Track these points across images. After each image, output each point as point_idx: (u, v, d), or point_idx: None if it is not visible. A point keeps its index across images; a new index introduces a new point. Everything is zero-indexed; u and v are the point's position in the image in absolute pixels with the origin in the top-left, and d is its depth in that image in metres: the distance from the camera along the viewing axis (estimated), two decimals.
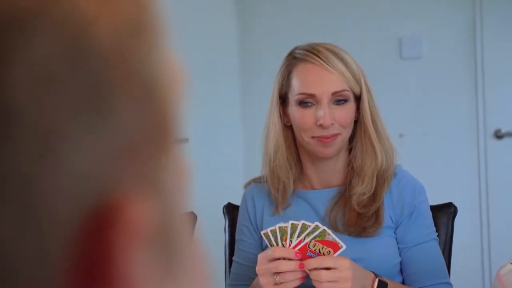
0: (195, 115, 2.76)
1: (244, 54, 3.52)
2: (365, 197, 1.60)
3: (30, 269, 0.24)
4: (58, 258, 0.24)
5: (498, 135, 3.28)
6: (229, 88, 3.45)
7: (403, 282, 1.64)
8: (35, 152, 0.24)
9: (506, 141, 3.28)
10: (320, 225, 1.47)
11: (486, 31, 3.26)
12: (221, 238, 1.90)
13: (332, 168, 1.67)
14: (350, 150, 1.67)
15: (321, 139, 1.59)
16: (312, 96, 1.58)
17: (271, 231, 1.49)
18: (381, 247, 1.60)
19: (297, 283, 1.45)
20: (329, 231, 1.47)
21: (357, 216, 1.60)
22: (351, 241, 1.54)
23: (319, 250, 1.46)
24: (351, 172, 1.64)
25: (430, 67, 3.31)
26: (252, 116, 3.32)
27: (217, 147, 3.25)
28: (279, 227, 1.49)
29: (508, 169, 3.25)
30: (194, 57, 2.77)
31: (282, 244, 1.48)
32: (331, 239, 1.46)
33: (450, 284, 1.63)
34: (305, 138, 1.61)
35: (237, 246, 1.74)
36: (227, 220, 1.89)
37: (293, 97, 1.61)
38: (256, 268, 1.48)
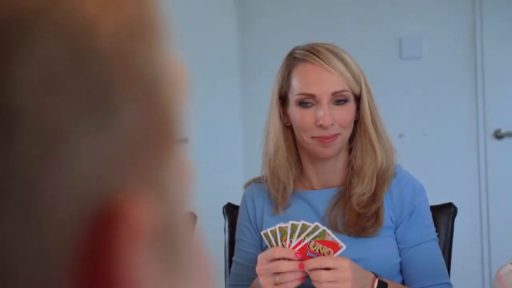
0: (195, 115, 2.76)
1: (244, 54, 3.52)
2: (365, 197, 1.60)
3: (30, 269, 0.24)
4: (59, 258, 0.24)
5: (498, 135, 3.28)
6: (229, 88, 3.44)
7: (403, 282, 1.64)
8: (36, 152, 0.24)
9: (506, 141, 3.28)
10: (320, 225, 1.47)
11: (486, 31, 3.26)
12: (221, 238, 1.90)
13: (332, 168, 1.67)
14: (350, 150, 1.67)
15: (321, 139, 1.59)
16: (312, 96, 1.58)
17: (271, 231, 1.49)
18: (381, 247, 1.60)
19: (297, 283, 1.45)
20: (329, 231, 1.47)
21: (357, 216, 1.60)
22: (351, 241, 1.54)
23: (319, 250, 1.46)
24: (351, 172, 1.64)
25: (430, 67, 3.31)
26: (252, 116, 3.32)
27: (217, 147, 3.25)
28: (279, 227, 1.49)
29: (508, 169, 3.24)
30: (194, 57, 2.76)
31: (282, 244, 1.48)
32: (331, 239, 1.46)
33: (450, 284, 1.63)
34: (305, 138, 1.61)
35: (237, 246, 1.74)
36: (227, 220, 1.89)
37: (293, 97, 1.61)
38: (256, 268, 1.48)
